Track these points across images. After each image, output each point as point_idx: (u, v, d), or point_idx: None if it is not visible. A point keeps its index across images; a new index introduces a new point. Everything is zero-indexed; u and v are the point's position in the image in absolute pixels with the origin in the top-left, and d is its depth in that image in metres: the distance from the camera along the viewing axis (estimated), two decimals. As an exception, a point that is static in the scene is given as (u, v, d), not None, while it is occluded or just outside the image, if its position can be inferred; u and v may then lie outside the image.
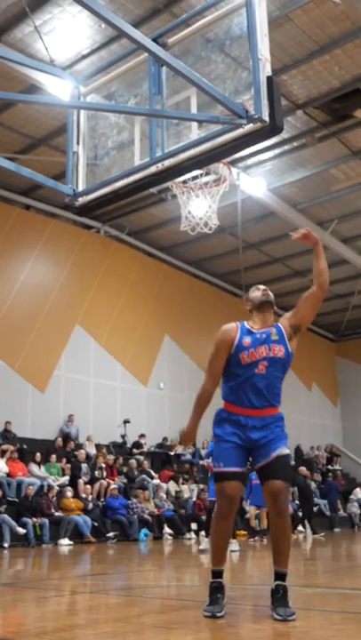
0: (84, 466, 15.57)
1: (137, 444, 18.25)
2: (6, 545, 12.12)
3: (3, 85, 12.19)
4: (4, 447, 14.48)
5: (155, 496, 16.44)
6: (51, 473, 14.95)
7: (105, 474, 15.84)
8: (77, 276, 18.29)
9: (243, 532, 15.17)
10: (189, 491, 17.72)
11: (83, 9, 3.76)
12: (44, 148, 15.09)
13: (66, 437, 16.52)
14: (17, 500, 13.43)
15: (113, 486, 15.28)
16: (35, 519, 13.01)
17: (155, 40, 4.43)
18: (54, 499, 14.05)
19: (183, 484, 17.83)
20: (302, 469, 17.00)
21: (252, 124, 4.12)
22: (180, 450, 19.45)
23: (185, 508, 16.77)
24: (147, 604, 5.01)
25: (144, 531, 14.86)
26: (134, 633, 3.65)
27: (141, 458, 17.66)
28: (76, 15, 11.29)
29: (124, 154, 4.94)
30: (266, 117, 4.09)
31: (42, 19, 11.28)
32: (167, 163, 4.53)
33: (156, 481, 17.08)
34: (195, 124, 4.53)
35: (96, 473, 15.67)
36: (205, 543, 10.80)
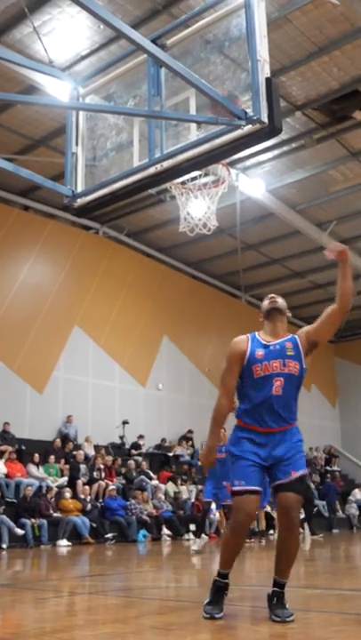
0: (83, 467, 15.56)
1: (135, 445, 18.24)
2: (5, 546, 12.11)
3: (2, 86, 12.19)
4: (3, 448, 14.47)
5: (153, 497, 16.43)
6: (49, 474, 14.93)
7: (103, 475, 15.83)
8: (76, 277, 18.28)
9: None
10: (188, 492, 17.71)
11: (82, 10, 3.76)
12: (42, 148, 15.09)
13: (64, 438, 16.51)
14: (15, 500, 13.42)
15: (111, 487, 15.27)
16: (33, 520, 13.00)
17: (154, 41, 4.43)
18: (53, 500, 14.04)
19: (182, 484, 17.83)
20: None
21: (250, 126, 4.12)
22: (178, 451, 19.45)
23: (183, 509, 16.76)
24: (145, 605, 5.01)
25: (142, 532, 14.85)
26: (133, 634, 3.65)
27: (140, 459, 17.65)
28: (75, 16, 11.30)
29: (123, 155, 4.95)
30: (265, 119, 4.10)
31: (41, 19, 11.29)
32: (166, 164, 4.53)
33: (155, 482, 17.07)
34: (194, 126, 4.53)
35: (94, 474, 15.66)
36: (198, 544, 10.76)
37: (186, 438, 20.10)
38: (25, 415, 16.22)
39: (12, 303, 16.50)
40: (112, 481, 15.85)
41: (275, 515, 16.67)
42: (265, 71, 4.17)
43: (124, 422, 18.12)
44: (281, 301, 4.34)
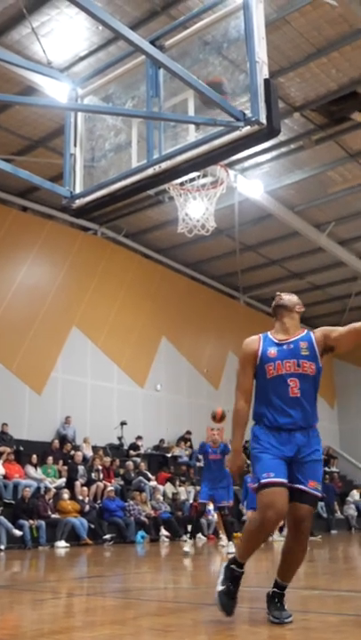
0: (81, 468, 15.54)
1: (134, 446, 18.23)
2: (2, 547, 12.10)
3: (0, 87, 12.20)
4: (1, 449, 14.45)
5: (151, 498, 16.42)
6: (47, 475, 14.92)
7: (102, 476, 15.82)
8: (74, 278, 18.28)
9: (239, 535, 15.14)
10: (186, 493, 17.70)
11: (80, 11, 3.76)
12: (41, 149, 15.09)
13: (63, 439, 16.50)
14: (13, 502, 13.41)
15: (110, 488, 15.27)
16: (31, 521, 12.98)
17: (152, 42, 4.43)
18: (51, 501, 14.03)
19: (180, 485, 17.82)
20: None
21: (249, 127, 4.12)
22: (177, 452, 19.45)
23: (182, 510, 16.75)
24: (143, 607, 5.00)
25: (141, 533, 14.84)
26: (131, 635, 3.65)
27: (138, 460, 17.64)
28: (74, 17, 11.30)
29: (122, 156, 4.94)
30: (263, 120, 4.10)
31: (39, 20, 11.29)
32: (164, 165, 4.53)
33: (153, 483, 17.06)
34: (192, 127, 4.53)
35: (93, 475, 15.65)
36: (189, 546, 10.73)
37: (184, 439, 20.10)
38: (23, 416, 16.21)
39: (10, 304, 16.49)
40: (110, 482, 15.84)
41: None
42: (263, 72, 4.17)
43: (123, 423, 18.11)
44: (288, 298, 4.25)
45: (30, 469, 14.67)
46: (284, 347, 4.05)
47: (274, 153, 15.76)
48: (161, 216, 18.48)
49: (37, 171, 12.21)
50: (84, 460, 16.07)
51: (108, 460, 16.49)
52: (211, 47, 4.66)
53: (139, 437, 18.49)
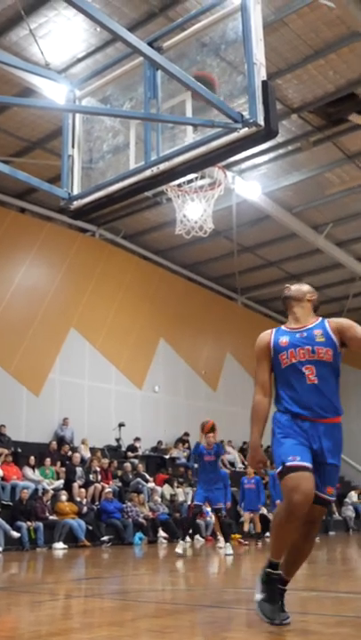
0: (79, 469, 15.53)
1: (132, 448, 18.23)
2: (0, 549, 12.07)
3: (-2, 88, 12.20)
4: (-1, 451, 14.45)
5: (149, 499, 16.41)
6: (45, 476, 14.91)
7: (99, 477, 15.81)
8: (72, 280, 18.27)
9: (237, 536, 15.14)
10: (184, 494, 17.70)
11: (78, 12, 3.76)
12: (39, 151, 15.09)
13: (60, 441, 16.49)
14: (11, 503, 13.39)
15: (107, 490, 15.26)
16: (29, 523, 12.97)
17: (150, 44, 4.43)
18: (49, 502, 14.02)
19: (178, 487, 17.81)
20: None
21: (247, 128, 4.13)
22: (174, 453, 19.44)
23: (180, 511, 16.74)
24: (141, 608, 5.00)
25: (139, 534, 14.82)
26: (129, 637, 3.64)
27: (136, 461, 17.64)
28: (72, 18, 11.30)
29: (120, 157, 4.95)
30: (261, 121, 4.10)
31: (37, 22, 11.29)
32: (162, 166, 4.53)
33: (151, 484, 17.06)
34: (190, 128, 4.53)
35: (91, 476, 15.65)
36: (181, 547, 10.70)
37: (182, 441, 20.09)
38: (21, 417, 16.20)
39: (8, 305, 16.48)
40: (108, 483, 15.83)
41: (271, 517, 16.68)
42: (261, 74, 4.18)
43: (121, 425, 18.10)
44: (295, 288, 4.16)
45: (28, 471, 14.66)
46: (297, 335, 3.95)
47: (272, 154, 15.78)
48: (159, 217, 18.49)
49: (35, 172, 12.19)
50: (82, 461, 16.06)
51: (105, 461, 16.48)
52: (208, 49, 4.67)
53: (137, 439, 18.48)
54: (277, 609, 3.74)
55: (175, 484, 17.81)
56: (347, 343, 3.94)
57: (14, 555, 11.70)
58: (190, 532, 15.48)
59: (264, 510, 17.35)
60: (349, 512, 22.09)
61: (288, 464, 3.66)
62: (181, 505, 17.05)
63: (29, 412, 16.42)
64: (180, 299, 21.46)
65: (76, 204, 5.00)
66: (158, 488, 17.13)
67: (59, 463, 15.58)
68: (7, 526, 12.45)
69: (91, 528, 14.05)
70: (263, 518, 16.87)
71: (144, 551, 12.98)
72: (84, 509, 14.36)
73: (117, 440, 18.14)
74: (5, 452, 14.43)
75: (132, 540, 14.52)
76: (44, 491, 14.17)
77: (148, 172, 4.59)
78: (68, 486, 14.90)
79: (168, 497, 17.24)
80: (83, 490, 14.91)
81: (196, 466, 11.97)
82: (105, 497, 15.10)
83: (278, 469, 3.71)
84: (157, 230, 19.29)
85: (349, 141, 15.21)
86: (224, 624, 3.91)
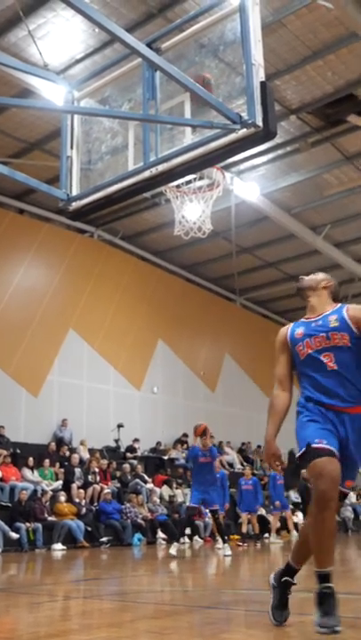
0: (78, 470, 15.53)
1: (130, 449, 18.22)
2: (-1, 550, 12.09)
3: (-4, 89, 12.20)
4: (-3, 452, 14.44)
5: (148, 500, 16.40)
6: (44, 477, 14.90)
7: (98, 478, 15.80)
8: (71, 280, 18.27)
9: (236, 537, 15.15)
10: (183, 495, 17.67)
11: (76, 13, 3.76)
12: (37, 152, 15.08)
13: (59, 442, 16.49)
14: (10, 504, 13.38)
15: (106, 491, 15.24)
16: (28, 524, 12.96)
17: (148, 45, 4.43)
18: (47, 503, 14.01)
19: (177, 488, 17.80)
20: (305, 472, 16.97)
21: (245, 129, 4.13)
22: (173, 454, 19.44)
23: (179, 512, 16.73)
24: (140, 609, 5.00)
25: (137, 535, 14.81)
26: (128, 638, 3.64)
27: (135, 462, 17.63)
28: (70, 19, 11.31)
29: (118, 158, 4.94)
30: (259, 122, 4.10)
31: (36, 23, 11.30)
32: (161, 167, 4.53)
33: (150, 485, 17.05)
34: (188, 129, 4.53)
35: (89, 477, 15.64)
36: (174, 549, 10.69)
37: (181, 441, 20.09)
38: (20, 419, 16.19)
39: (6, 307, 16.48)
40: (107, 484, 15.82)
41: (270, 518, 16.67)
42: (260, 75, 4.18)
43: (119, 426, 18.10)
44: (308, 278, 4.07)
45: (27, 472, 14.65)
46: (313, 324, 3.82)
47: (270, 155, 15.79)
48: (157, 218, 18.49)
49: (34, 173, 12.17)
50: (81, 462, 16.05)
51: (104, 462, 16.47)
52: (207, 50, 4.67)
53: (135, 440, 18.48)
54: (335, 619, 3.46)
55: (174, 485, 17.80)
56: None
57: (13, 556, 11.69)
58: (189, 532, 15.57)
59: (263, 511, 17.36)
60: (348, 513, 22.07)
61: (315, 445, 3.46)
62: (180, 506, 17.03)
63: (28, 413, 16.41)
64: (178, 300, 21.46)
65: (74, 205, 5.00)
66: (157, 489, 17.12)
67: (57, 464, 15.57)
68: (6, 527, 12.43)
69: (89, 529, 14.04)
70: (261, 519, 16.89)
71: (143, 552, 12.98)
72: (83, 510, 14.35)
73: (116, 441, 18.14)
74: (4, 453, 14.42)
75: (131, 541, 14.51)
76: (43, 492, 14.17)
77: (146, 173, 4.59)
78: (66, 487, 14.89)
79: (167, 498, 17.23)
80: (81, 491, 14.91)
81: (190, 466, 11.96)
82: (104, 498, 15.09)
83: (301, 451, 3.54)
84: (156, 231, 19.30)
85: (348, 142, 15.23)
86: (223, 625, 3.91)
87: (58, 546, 13.10)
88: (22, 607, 5.21)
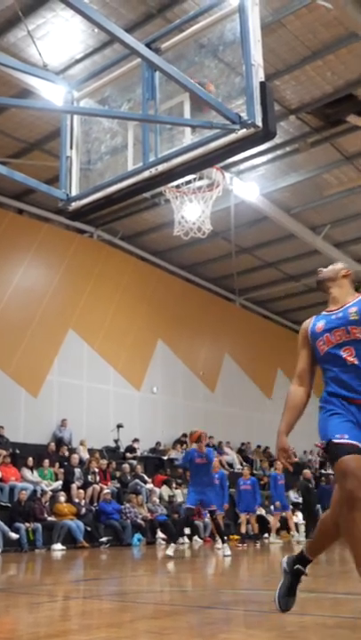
0: (77, 470, 15.52)
1: (130, 449, 18.22)
2: (-1, 550, 12.09)
3: (-4, 90, 12.20)
4: (-3, 452, 14.44)
5: (148, 500, 16.40)
6: (44, 477, 14.90)
7: (98, 478, 15.80)
8: (70, 281, 18.27)
9: (235, 537, 15.15)
10: (183, 495, 17.65)
11: (76, 14, 3.76)
12: (37, 152, 15.08)
13: (59, 442, 16.48)
14: (10, 504, 13.38)
15: (106, 491, 15.24)
16: (27, 524, 12.96)
17: (148, 45, 4.43)
18: (47, 503, 14.01)
19: (176, 488, 17.79)
20: (307, 473, 16.97)
21: (245, 130, 4.13)
22: (173, 454, 19.44)
23: (178, 512, 16.72)
24: (140, 610, 5.00)
25: (137, 535, 14.82)
26: (127, 638, 3.64)
27: (134, 462, 17.62)
28: (70, 20, 11.31)
29: (118, 158, 4.94)
30: (259, 123, 4.10)
31: (35, 23, 11.30)
32: (160, 167, 4.53)
33: (150, 485, 17.04)
34: (188, 129, 4.53)
35: (89, 477, 15.64)
36: (171, 549, 10.68)
37: (180, 442, 20.08)
38: (19, 419, 16.18)
39: (6, 307, 16.48)
40: (107, 484, 15.82)
41: (269, 519, 16.67)
42: (259, 75, 4.18)
43: (119, 426, 18.09)
44: (327, 269, 3.95)
45: (26, 472, 14.65)
46: (333, 317, 3.71)
47: (270, 155, 15.79)
48: (157, 219, 18.49)
49: (33, 173, 12.17)
50: (81, 462, 16.05)
51: (104, 462, 16.47)
52: (206, 50, 4.67)
53: (135, 440, 18.48)
54: None
55: (173, 485, 17.80)
56: None
57: (13, 556, 11.69)
58: (189, 532, 15.57)
59: (262, 511, 17.36)
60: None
61: (337, 441, 3.37)
62: (180, 506, 17.03)
63: (28, 413, 16.40)
64: (178, 300, 21.46)
65: (74, 205, 4.99)
66: (157, 489, 17.12)
67: (57, 464, 15.57)
68: (6, 527, 12.43)
69: (89, 529, 14.04)
70: (261, 519, 16.88)
71: (142, 552, 12.98)
72: (83, 510, 14.35)
73: (116, 441, 18.14)
74: (4, 453, 14.42)
75: (131, 541, 14.52)
76: (43, 492, 14.16)
77: (146, 174, 4.59)
78: (66, 487, 14.89)
79: (166, 498, 17.23)
80: (81, 491, 14.90)
81: (182, 463, 11.93)
82: (103, 498, 15.09)
83: (323, 446, 3.47)
84: (155, 231, 19.29)
85: (347, 142, 15.23)
86: (222, 625, 3.91)
87: (57, 546, 13.10)
88: (22, 607, 5.21)
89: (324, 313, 3.81)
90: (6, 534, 12.35)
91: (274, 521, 15.98)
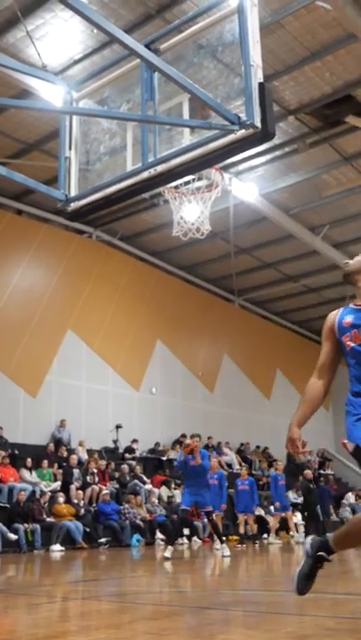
0: (76, 471, 15.51)
1: (129, 449, 18.21)
2: (-2, 551, 12.08)
3: (-5, 90, 12.19)
4: (-4, 452, 14.43)
5: (147, 501, 16.40)
6: (42, 478, 14.89)
7: (97, 479, 15.79)
8: (69, 281, 18.26)
9: (234, 538, 15.15)
10: (181, 496, 17.66)
11: (75, 14, 3.76)
12: (36, 152, 15.07)
13: (58, 443, 16.47)
14: (8, 505, 13.37)
15: (105, 492, 15.24)
16: (26, 525, 12.95)
17: (147, 46, 4.44)
18: (46, 504, 14.00)
19: (175, 488, 17.78)
20: (308, 473, 16.98)
21: (244, 130, 4.13)
22: (172, 455, 19.42)
23: (177, 513, 16.71)
24: (139, 611, 4.99)
25: (136, 536, 14.81)
26: (126, 639, 3.64)
27: (133, 463, 17.62)
28: (69, 20, 11.30)
29: (117, 159, 4.95)
30: (258, 123, 4.11)
31: (34, 24, 11.29)
32: (159, 168, 4.54)
33: (148, 486, 17.04)
34: (187, 130, 4.54)
35: (88, 478, 15.63)
36: (169, 552, 10.66)
37: (179, 442, 20.06)
38: (18, 419, 16.17)
39: (5, 307, 16.46)
40: (105, 485, 15.81)
41: (269, 519, 16.67)
42: (258, 76, 4.18)
43: (118, 426, 18.09)
44: (354, 261, 3.89)
45: (25, 473, 14.64)
46: None
47: (268, 156, 15.79)
48: (156, 219, 18.48)
49: (32, 174, 12.18)
50: (80, 463, 16.05)
51: (103, 463, 16.46)
52: (205, 51, 4.67)
53: (134, 440, 18.46)
54: None
55: (172, 486, 17.79)
56: None
57: (11, 557, 11.68)
58: (188, 533, 15.57)
59: (261, 511, 17.36)
60: (347, 513, 22.06)
61: None
62: (179, 506, 17.02)
63: (26, 413, 16.39)
64: (177, 300, 21.45)
65: (73, 205, 5.00)
66: (155, 490, 17.11)
67: (56, 465, 15.56)
68: (4, 528, 12.42)
69: (88, 530, 14.03)
70: (259, 519, 16.88)
71: (141, 553, 12.97)
72: (82, 511, 14.34)
73: (115, 442, 18.13)
74: (2, 453, 14.40)
75: (130, 542, 14.51)
76: (42, 493, 14.15)
77: (145, 174, 4.60)
78: (65, 488, 14.88)
79: (165, 499, 17.22)
80: (80, 492, 14.89)
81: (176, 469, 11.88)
82: (102, 499, 15.08)
83: (351, 448, 3.45)
84: (154, 232, 19.29)
85: (346, 143, 15.23)
86: (221, 626, 3.91)
87: (56, 547, 13.08)
88: (21, 608, 5.21)
89: (351, 306, 3.68)
90: (5, 535, 12.34)
91: (274, 521, 15.98)
